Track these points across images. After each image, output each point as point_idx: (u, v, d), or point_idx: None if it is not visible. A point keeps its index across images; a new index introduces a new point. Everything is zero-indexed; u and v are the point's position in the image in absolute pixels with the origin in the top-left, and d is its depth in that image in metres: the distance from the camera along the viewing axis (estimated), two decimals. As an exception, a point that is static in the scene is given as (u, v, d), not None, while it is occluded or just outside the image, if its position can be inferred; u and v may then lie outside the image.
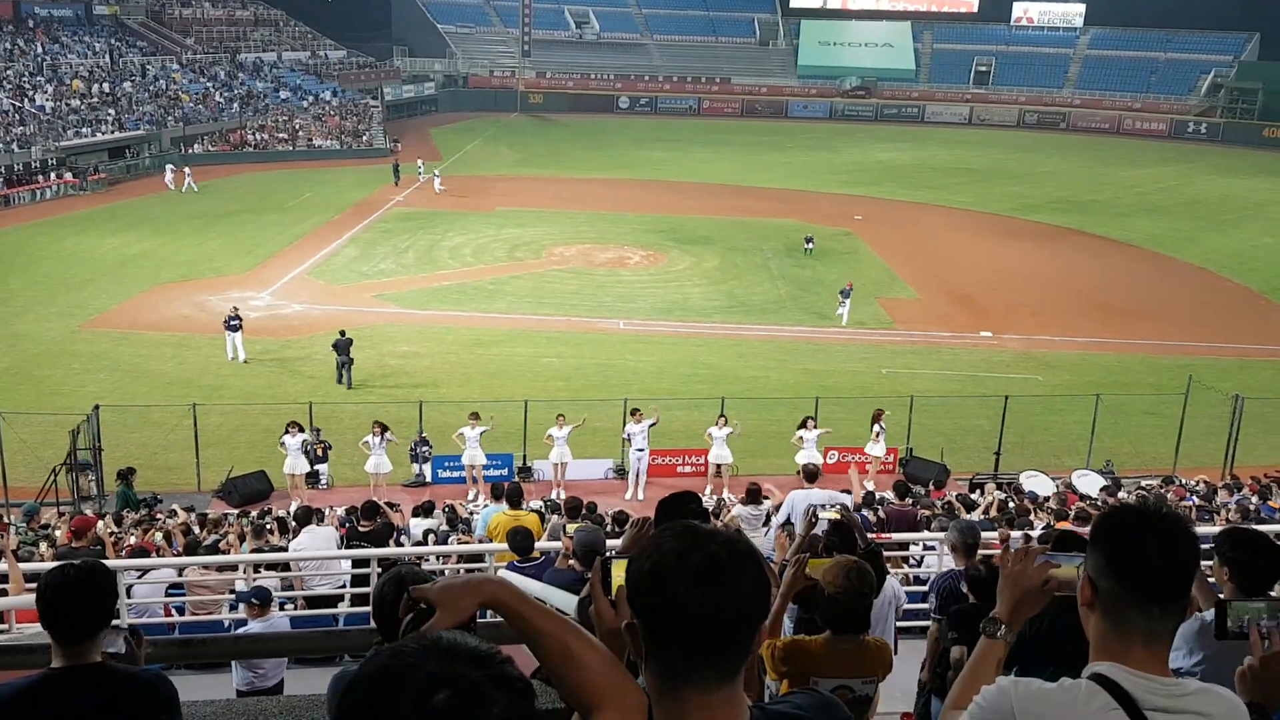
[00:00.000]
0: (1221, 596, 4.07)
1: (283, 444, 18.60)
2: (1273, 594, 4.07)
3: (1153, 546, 2.26)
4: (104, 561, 6.09)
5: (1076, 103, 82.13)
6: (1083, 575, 2.38)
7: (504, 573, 8.89)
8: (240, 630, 8.27)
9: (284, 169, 54.01)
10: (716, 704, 1.85)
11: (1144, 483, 18.36)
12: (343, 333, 24.95)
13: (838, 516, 5.68)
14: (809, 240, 38.45)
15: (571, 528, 8.27)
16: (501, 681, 1.45)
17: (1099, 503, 15.42)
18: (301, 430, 18.87)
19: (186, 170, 48.52)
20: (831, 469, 18.92)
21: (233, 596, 9.78)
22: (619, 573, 2.21)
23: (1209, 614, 4.11)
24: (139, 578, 10.02)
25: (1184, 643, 3.99)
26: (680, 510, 4.12)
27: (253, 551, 11.06)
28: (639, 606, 1.86)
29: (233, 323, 25.31)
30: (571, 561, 6.94)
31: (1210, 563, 10.76)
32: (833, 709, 2.06)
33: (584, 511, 12.80)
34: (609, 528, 12.11)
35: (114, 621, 3.63)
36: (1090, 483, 17.88)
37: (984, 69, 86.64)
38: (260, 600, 8.23)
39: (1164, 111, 79.50)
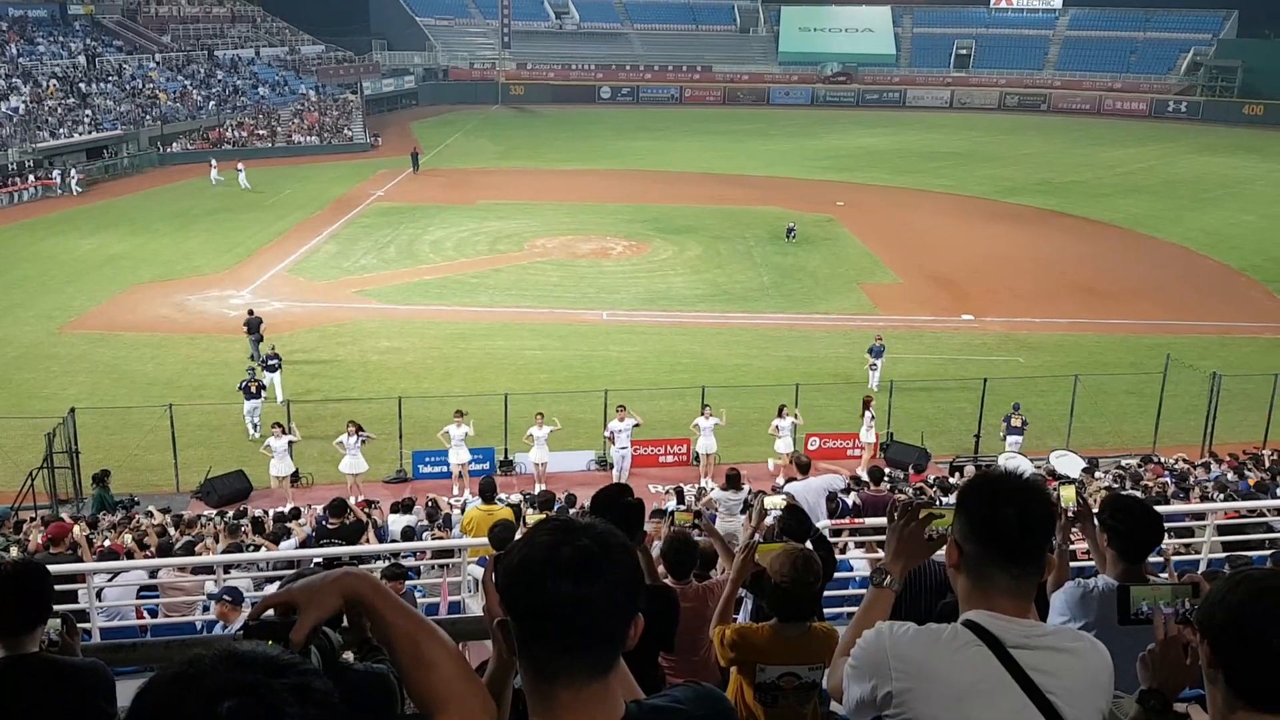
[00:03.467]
0: (1110, 578, 4.10)
1: (268, 446, 18.53)
2: (1161, 578, 4.11)
3: (1011, 511, 2.45)
4: (64, 560, 6.05)
5: (1057, 84, 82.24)
6: (950, 539, 2.58)
7: (474, 568, 8.88)
8: (209, 634, 8.22)
9: (263, 166, 53.65)
10: (588, 700, 1.82)
11: (1124, 461, 18.48)
12: (251, 312, 25.45)
13: (786, 504, 5.68)
14: (791, 230, 38.44)
15: (534, 520, 8.24)
16: (300, 691, 1.41)
17: (1079, 482, 15.48)
18: (286, 432, 18.80)
19: (239, 166, 48.15)
20: (816, 455, 18.99)
21: (203, 598, 9.74)
22: None
23: (1095, 581, 4.15)
24: (110, 580, 9.96)
25: (1066, 609, 4.08)
26: (614, 504, 4.10)
27: (226, 551, 11.01)
28: (509, 602, 1.82)
29: (271, 362, 22.70)
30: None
31: (1181, 540, 10.74)
32: (712, 700, 2.02)
33: (559, 504, 12.78)
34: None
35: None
36: (1069, 463, 17.96)
37: (964, 52, 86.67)
38: (233, 599, 8.19)
39: (1144, 91, 79.65)
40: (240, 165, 48.30)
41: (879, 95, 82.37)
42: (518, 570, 1.80)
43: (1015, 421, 20.67)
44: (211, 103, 62.56)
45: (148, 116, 57.70)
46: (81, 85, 57.92)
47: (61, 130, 51.98)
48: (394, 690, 3.21)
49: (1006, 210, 44.96)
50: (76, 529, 11.90)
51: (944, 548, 2.66)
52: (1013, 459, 18.60)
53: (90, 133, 53.13)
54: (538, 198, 45.77)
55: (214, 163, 48.91)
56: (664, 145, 61.13)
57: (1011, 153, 59.99)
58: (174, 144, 56.21)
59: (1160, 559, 8.30)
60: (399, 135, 63.95)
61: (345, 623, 2.03)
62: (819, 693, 4.19)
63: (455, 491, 18.88)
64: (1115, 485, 15.11)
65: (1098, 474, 16.90)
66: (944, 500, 13.75)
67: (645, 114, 75.33)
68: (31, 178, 46.79)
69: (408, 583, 10.08)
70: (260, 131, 60.04)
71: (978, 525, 2.49)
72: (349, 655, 2.81)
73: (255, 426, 21.34)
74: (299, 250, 36.66)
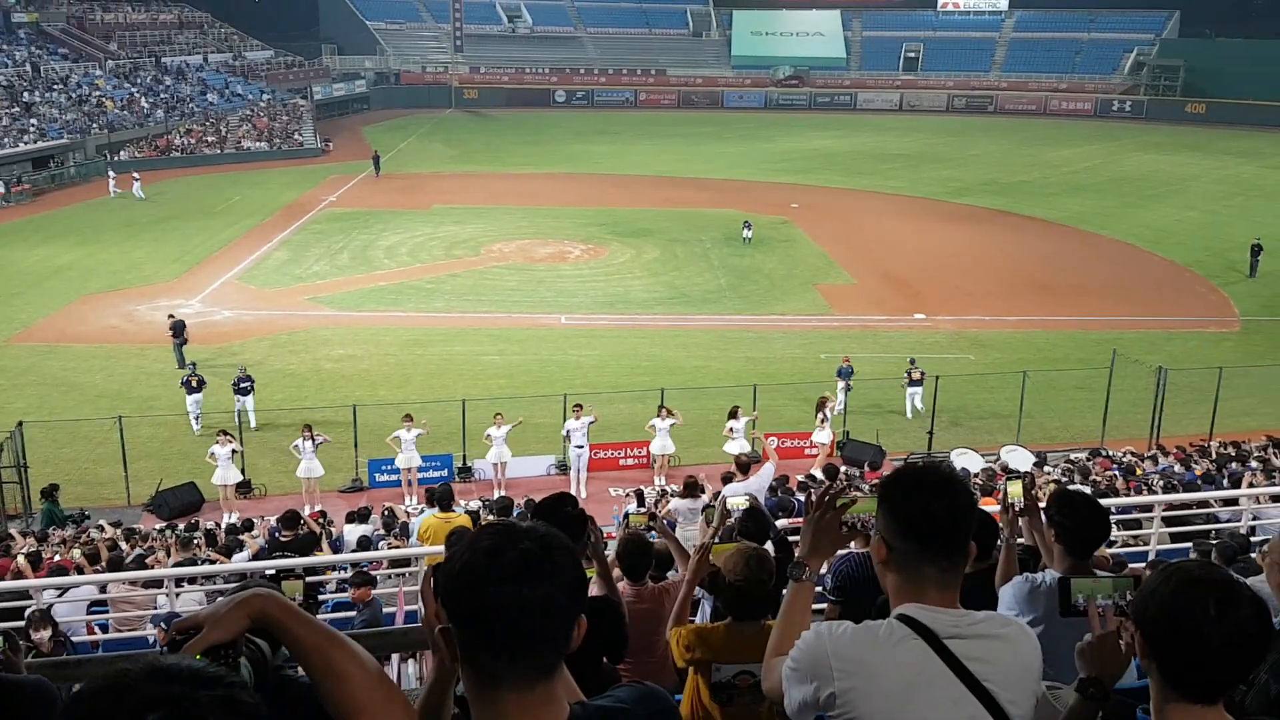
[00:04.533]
0: (1057, 572, 4.18)
1: (212, 454, 18.23)
2: (1101, 572, 4.20)
3: (937, 506, 2.48)
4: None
5: (1003, 85, 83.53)
6: (876, 536, 2.59)
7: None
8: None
9: (212, 173, 52.98)
10: (533, 703, 1.84)
11: (1073, 455, 18.79)
12: (171, 315, 25.72)
13: (748, 505, 5.72)
14: (747, 226, 38.64)
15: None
16: (226, 704, 1.42)
17: (1028, 476, 15.73)
18: (231, 439, 18.52)
19: (134, 176, 47.30)
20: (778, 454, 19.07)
21: (156, 612, 9.60)
22: None
23: (1043, 575, 4.24)
24: (59, 596, 9.79)
25: (1015, 603, 4.14)
26: (555, 513, 4.12)
27: (177, 565, 10.86)
28: (451, 608, 1.83)
29: (243, 384, 21.73)
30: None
31: (1122, 533, 10.98)
32: (655, 699, 2.05)
33: (518, 510, 12.74)
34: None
35: None
36: (1020, 458, 18.26)
37: (913, 55, 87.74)
38: (169, 627, 8.07)
39: (1089, 91, 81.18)
40: (136, 175, 47.46)
41: (830, 98, 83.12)
42: (460, 576, 1.81)
43: (915, 375, 22.76)
44: (159, 110, 61.58)
45: (95, 125, 56.68)
46: (26, 94, 56.73)
47: (6, 140, 50.88)
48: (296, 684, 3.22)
49: (956, 210, 45.58)
50: (20, 559, 11.60)
51: (871, 544, 2.66)
52: (964, 455, 18.87)
53: (36, 142, 52.06)
54: (494, 202, 45.61)
55: (113, 175, 47.91)
56: (620, 149, 61.19)
57: (960, 154, 60.84)
58: (121, 152, 55.24)
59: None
60: (351, 140, 63.40)
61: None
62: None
63: (407, 501, 18.70)
64: (1064, 479, 15.38)
65: (1047, 468, 17.20)
66: (864, 488, 13.89)
67: (600, 117, 75.37)
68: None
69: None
70: (209, 138, 59.22)
71: (906, 521, 2.51)
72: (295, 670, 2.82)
73: (197, 419, 21.51)
74: (249, 258, 36.19)
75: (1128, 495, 13.82)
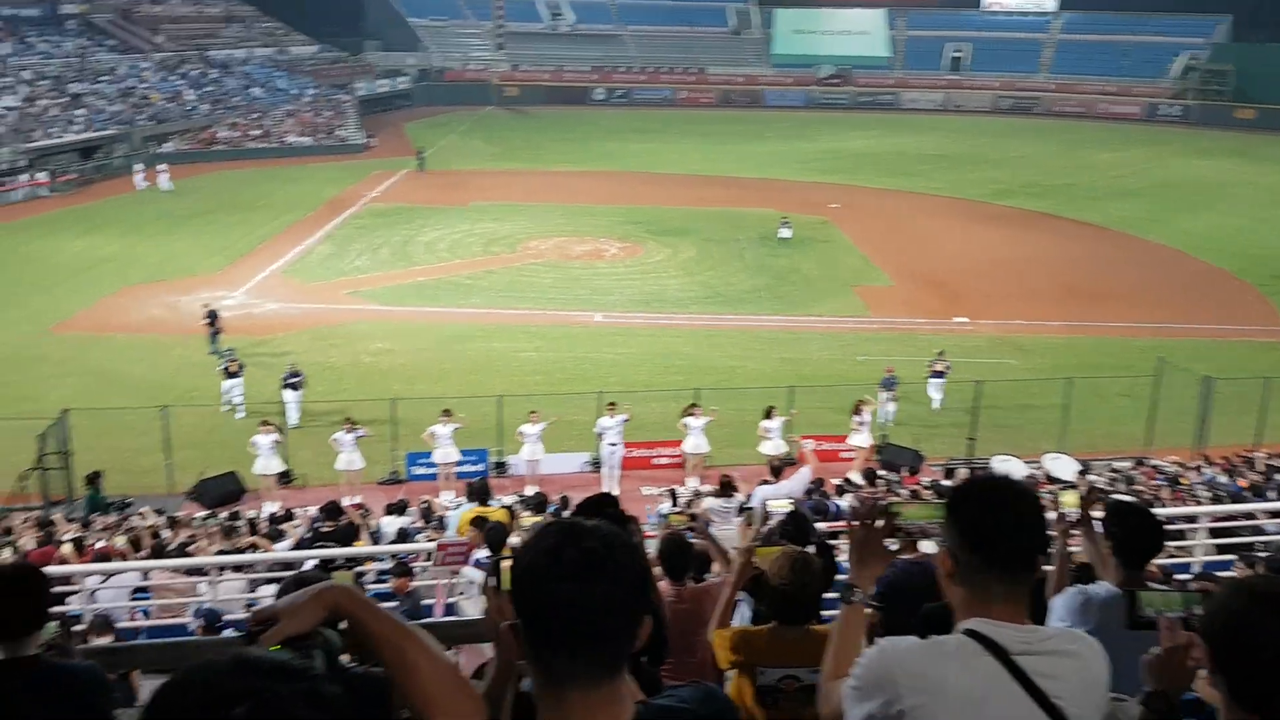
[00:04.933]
0: (1111, 584, 4.11)
1: (254, 444, 18.43)
2: (1155, 584, 4.13)
3: (1007, 518, 2.44)
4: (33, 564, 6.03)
5: (1050, 87, 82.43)
6: (942, 549, 2.54)
7: (469, 570, 8.86)
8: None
9: (256, 166, 53.59)
10: (598, 701, 1.84)
11: (1116, 464, 18.51)
12: (205, 304, 26.36)
13: (791, 508, 5.67)
14: (785, 225, 38.40)
15: (529, 522, 8.22)
16: (310, 697, 1.42)
17: (1074, 485, 15.52)
18: (274, 429, 18.71)
19: (160, 168, 47.99)
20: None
21: (198, 600, 9.70)
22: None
23: (1095, 588, 4.18)
24: (102, 582, 9.92)
25: (1067, 614, 4.10)
26: (597, 514, 4.08)
27: (219, 554, 10.98)
28: (519, 605, 1.86)
29: (293, 380, 21.72)
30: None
31: (1173, 543, 10.79)
32: (716, 699, 2.06)
33: (552, 506, 12.76)
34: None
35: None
36: (1063, 465, 18.00)
37: (958, 55, 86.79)
38: (207, 622, 8.15)
39: (1137, 94, 79.88)
40: (163, 168, 48.15)
41: (873, 98, 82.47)
42: (525, 574, 1.84)
43: (938, 366, 22.92)
44: (204, 105, 62.38)
45: (140, 117, 57.53)
46: (74, 85, 57.71)
47: (54, 130, 51.79)
48: (387, 692, 3.22)
49: (1000, 213, 45.07)
50: (65, 548, 11.77)
51: (937, 556, 2.62)
52: (1006, 461, 18.63)
53: (83, 132, 52.95)
54: (532, 199, 45.74)
55: (140, 168, 48.46)
56: (658, 147, 61.13)
57: (1005, 155, 60.15)
58: (167, 144, 56.04)
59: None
60: (393, 136, 63.86)
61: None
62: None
63: (442, 493, 18.76)
64: (1107, 487, 15.15)
65: (1090, 476, 16.95)
66: (902, 493, 13.75)
67: (639, 116, 75.35)
68: (24, 178, 46.61)
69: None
70: (253, 132, 59.91)
71: (973, 534, 2.47)
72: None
73: (230, 405, 22.27)
74: (293, 251, 36.58)
75: (1174, 506, 13.57)
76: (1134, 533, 4.28)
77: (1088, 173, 54.78)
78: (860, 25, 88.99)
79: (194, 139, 57.87)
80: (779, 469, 12.28)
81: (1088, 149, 62.59)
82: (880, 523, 2.93)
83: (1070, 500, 4.59)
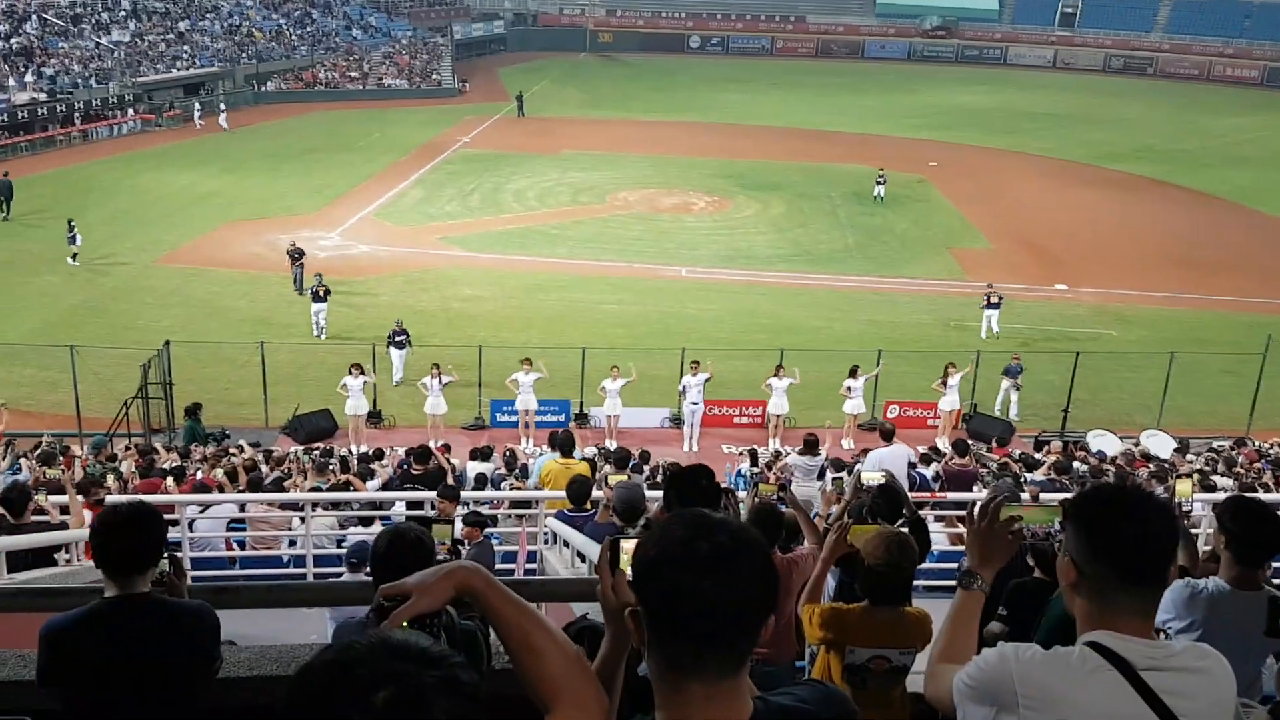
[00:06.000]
0: (1224, 580, 3.94)
1: (344, 385, 18.87)
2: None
3: (1133, 530, 2.32)
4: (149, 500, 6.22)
5: (1165, 47, 78.64)
6: (1064, 557, 2.44)
7: (551, 521, 8.96)
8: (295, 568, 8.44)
9: (354, 108, 54.35)
10: (720, 696, 1.81)
11: (1216, 444, 17.84)
12: (293, 243, 27.19)
13: (883, 480, 5.57)
14: (880, 181, 37.54)
15: (615, 479, 8.24)
16: (449, 684, 1.43)
17: (1167, 464, 15.02)
18: (364, 372, 19.12)
19: (221, 108, 49.02)
20: (894, 423, 18.67)
21: (291, 532, 9.98)
22: (628, 555, 2.17)
23: (1205, 582, 4.01)
24: (201, 513, 10.29)
25: (1170, 606, 3.98)
26: (691, 485, 4.05)
27: (312, 489, 11.29)
28: (643, 594, 1.83)
29: (399, 339, 21.37)
30: (612, 516, 6.91)
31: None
32: (836, 701, 2.01)
33: (632, 461, 12.81)
34: (655, 479, 12.11)
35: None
36: (1160, 443, 17.43)
37: (1070, 10, 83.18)
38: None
39: (1257, 57, 75.68)
40: (223, 108, 49.23)
41: (979, 52, 79.84)
42: (654, 565, 1.80)
43: (993, 299, 24.51)
44: (304, 45, 63.27)
45: (244, 55, 58.67)
46: (180, 22, 59.04)
47: (160, 65, 53.13)
48: (481, 646, 3.26)
49: (1107, 176, 43.39)
50: (169, 480, 12.22)
51: (1059, 565, 2.51)
52: (1101, 436, 18.11)
53: (188, 69, 54.23)
54: (622, 149, 45.52)
55: (199, 107, 49.61)
56: (752, 98, 60.12)
57: (1114, 117, 57.72)
58: (268, 83, 57.09)
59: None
60: (486, 81, 64.03)
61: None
62: (908, 676, 4.13)
63: (522, 444, 18.90)
64: (1207, 469, 14.62)
65: (1189, 455, 16.37)
66: (1026, 478, 13.46)
67: (734, 65, 74.15)
68: (131, 111, 48.06)
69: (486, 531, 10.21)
70: (351, 74, 60.64)
71: (1099, 545, 2.36)
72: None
73: (319, 327, 23.40)
74: (386, 194, 37.11)
75: (1278, 492, 13.03)
76: (1251, 529, 4.09)
77: (1201, 138, 52.30)
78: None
79: (294, 79, 58.81)
80: (890, 433, 12.12)
81: (1202, 113, 59.68)
82: (1000, 521, 2.85)
83: (1185, 489, 4.39)
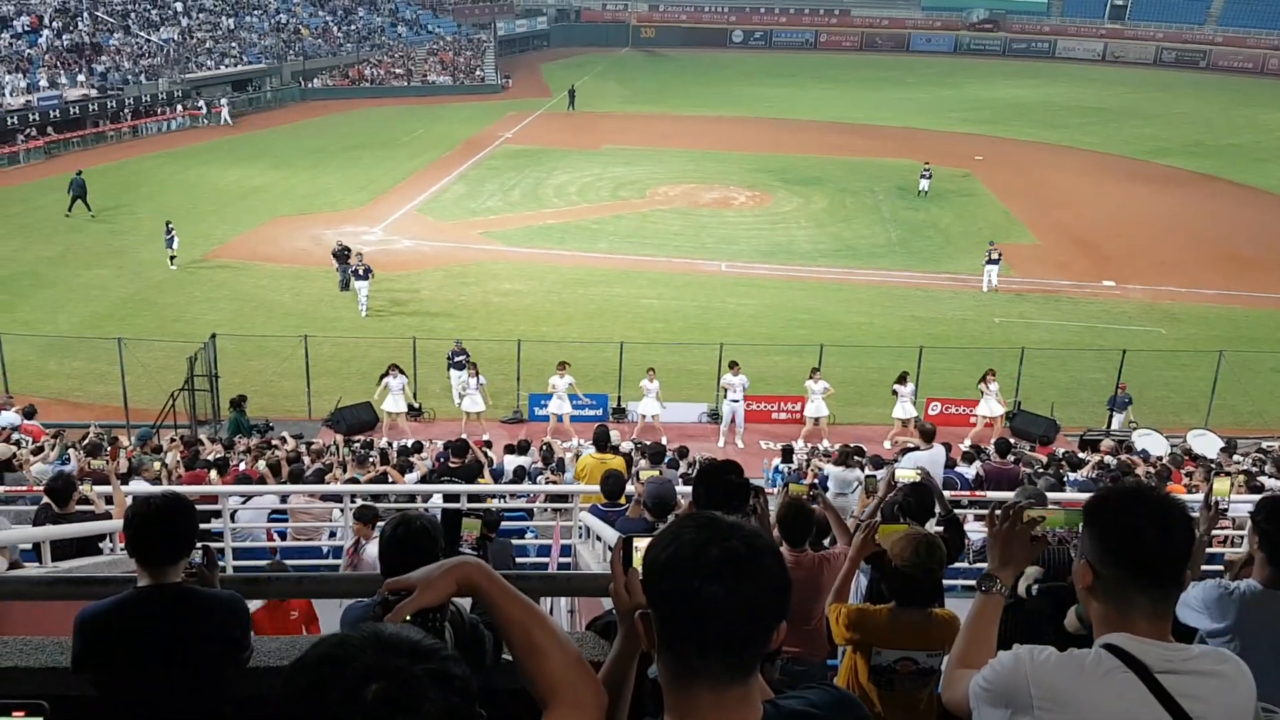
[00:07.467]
0: (1257, 581, 3.86)
1: (385, 384, 19.12)
2: None
3: (1150, 533, 2.30)
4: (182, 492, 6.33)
5: (1218, 40, 76.91)
6: (1080, 560, 2.42)
7: (585, 515, 8.98)
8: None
9: (398, 104, 54.82)
10: (729, 701, 1.80)
11: (1265, 444, 17.45)
12: (339, 241, 27.19)
13: (917, 478, 5.51)
14: (925, 175, 37.13)
15: (646, 474, 8.24)
16: (440, 677, 1.45)
17: (1213, 464, 14.73)
18: (402, 373, 19.35)
19: (222, 101, 49.67)
20: (936, 420, 18.47)
21: (330, 523, 10.11)
22: (641, 554, 2.16)
23: (1239, 583, 3.92)
24: (244, 503, 10.45)
25: (1203, 607, 3.90)
26: (720, 481, 4.03)
27: (349, 481, 11.43)
28: (653, 597, 1.82)
29: (458, 359, 20.23)
30: (643, 511, 6.91)
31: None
32: (848, 706, 1.99)
33: (669, 456, 12.80)
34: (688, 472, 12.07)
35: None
36: (1207, 443, 17.09)
37: (1120, 3, 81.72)
38: (367, 520, 8.28)
39: (1316, 50, 73.86)
40: (223, 101, 50.25)
41: (1027, 45, 78.73)
42: (664, 567, 1.79)
43: (994, 255, 26.88)
44: (349, 43, 63.91)
45: (290, 51, 59.38)
46: (228, 19, 59.89)
47: (208, 62, 53.92)
48: (484, 640, 3.29)
49: (1156, 171, 42.59)
50: (213, 473, 12.41)
51: (1075, 568, 2.49)
52: (1147, 436, 17.79)
53: (235, 65, 54.99)
54: (663, 144, 45.48)
55: (202, 101, 50.19)
56: (794, 92, 59.78)
57: (1165, 111, 56.63)
58: (315, 80, 57.73)
59: None
60: (528, 76, 64.29)
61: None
62: (936, 679, 4.08)
63: (560, 442, 18.89)
64: (1254, 469, 14.32)
65: (1236, 456, 16.05)
66: (1069, 477, 13.27)
67: (777, 59, 73.77)
68: (180, 107, 48.85)
69: (522, 524, 10.28)
70: (397, 70, 61.15)
71: (1116, 548, 2.34)
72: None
73: (362, 305, 24.47)
74: (429, 190, 37.41)
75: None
76: None
77: (1255, 133, 51.12)
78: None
79: (340, 75, 59.42)
80: (931, 433, 11.97)
81: (1255, 108, 58.28)
82: (1022, 523, 2.82)
83: (1222, 488, 4.31)
